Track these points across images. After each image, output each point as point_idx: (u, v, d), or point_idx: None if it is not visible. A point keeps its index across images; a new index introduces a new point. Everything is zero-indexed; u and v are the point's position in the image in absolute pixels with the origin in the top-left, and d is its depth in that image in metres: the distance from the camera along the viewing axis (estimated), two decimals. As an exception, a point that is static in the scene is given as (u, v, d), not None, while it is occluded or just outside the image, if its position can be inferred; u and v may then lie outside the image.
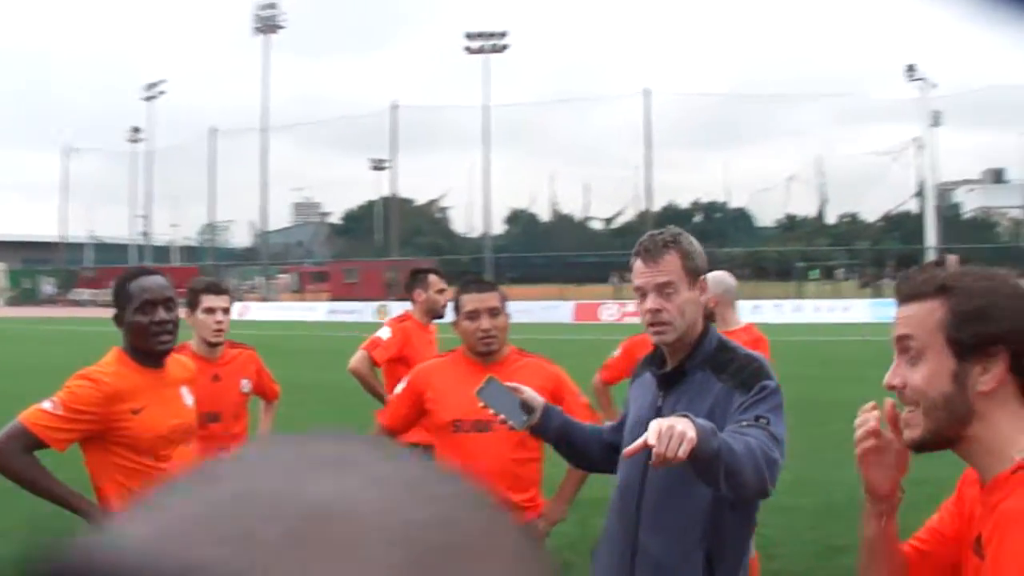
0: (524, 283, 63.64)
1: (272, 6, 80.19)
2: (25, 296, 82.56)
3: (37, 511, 4.14)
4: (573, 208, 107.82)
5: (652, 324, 3.31)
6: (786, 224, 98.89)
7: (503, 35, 74.55)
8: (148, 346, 4.04)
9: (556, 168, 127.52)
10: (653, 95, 74.07)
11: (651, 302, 3.29)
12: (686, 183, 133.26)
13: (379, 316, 50.43)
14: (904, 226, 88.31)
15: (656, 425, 2.65)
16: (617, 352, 6.59)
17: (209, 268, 64.28)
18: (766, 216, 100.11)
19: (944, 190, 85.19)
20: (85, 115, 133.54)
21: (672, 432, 2.61)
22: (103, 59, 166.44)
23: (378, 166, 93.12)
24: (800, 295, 54.51)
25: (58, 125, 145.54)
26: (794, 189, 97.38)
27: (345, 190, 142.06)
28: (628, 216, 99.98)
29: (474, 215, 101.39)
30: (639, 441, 2.68)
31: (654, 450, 2.61)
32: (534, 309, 45.64)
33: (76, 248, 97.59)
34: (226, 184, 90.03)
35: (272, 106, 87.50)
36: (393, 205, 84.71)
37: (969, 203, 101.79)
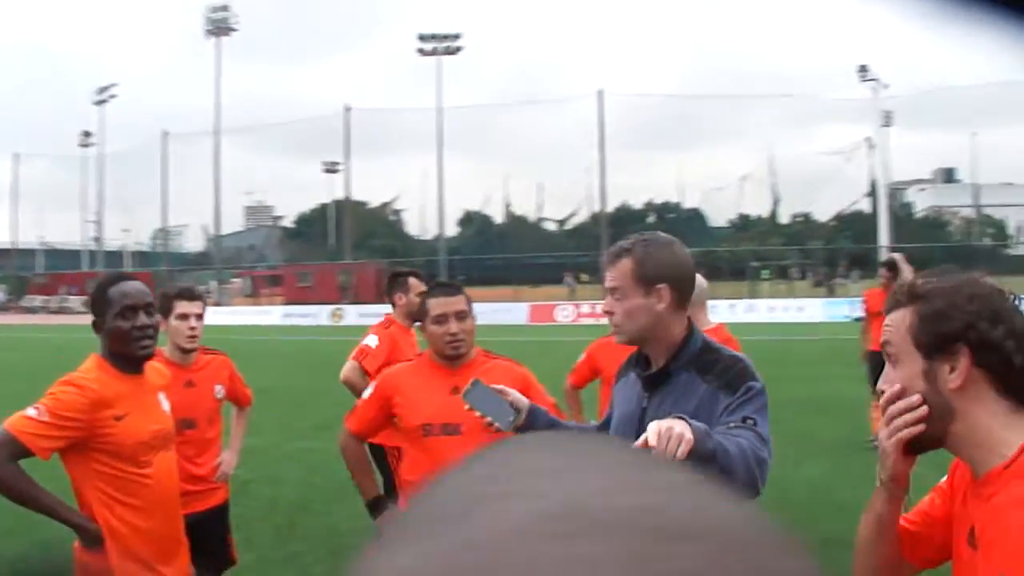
0: (478, 285, 63.48)
1: (224, 8, 79.49)
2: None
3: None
4: (527, 209, 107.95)
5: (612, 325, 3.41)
6: (739, 224, 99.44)
7: (456, 37, 74.48)
8: (129, 351, 4.04)
9: (509, 169, 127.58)
10: (606, 96, 74.12)
11: (605, 304, 3.40)
12: (639, 184, 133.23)
13: (334, 319, 50.39)
14: (856, 225, 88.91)
15: (655, 426, 2.67)
16: (582, 356, 6.69)
17: (162, 273, 63.80)
18: (719, 216, 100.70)
19: (896, 190, 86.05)
20: (35, 119, 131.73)
21: (671, 433, 2.63)
22: (53, 62, 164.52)
23: (331, 169, 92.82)
24: (754, 295, 54.79)
25: (7, 129, 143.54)
26: (747, 189, 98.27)
27: (298, 193, 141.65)
28: (582, 217, 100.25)
29: (427, 217, 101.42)
30: (639, 442, 2.68)
31: (654, 451, 2.60)
32: (489, 311, 45.52)
33: (27, 254, 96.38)
34: (179, 188, 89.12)
35: (225, 109, 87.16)
36: (346, 208, 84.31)
37: (920, 203, 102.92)
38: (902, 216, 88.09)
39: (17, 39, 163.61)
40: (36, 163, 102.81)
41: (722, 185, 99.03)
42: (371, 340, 7.26)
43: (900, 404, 2.22)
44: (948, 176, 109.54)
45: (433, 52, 74.53)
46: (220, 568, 5.60)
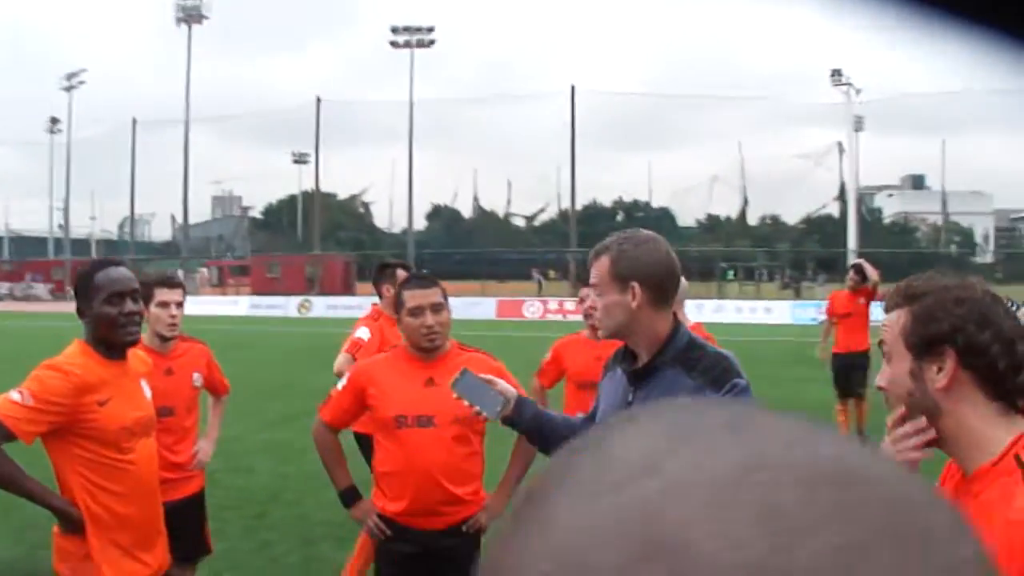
0: (446, 279, 61.81)
1: (196, -5, 79.07)
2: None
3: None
4: (495, 205, 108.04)
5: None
6: (707, 224, 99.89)
7: (430, 30, 74.21)
8: (116, 338, 4.04)
9: (479, 164, 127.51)
10: (578, 93, 74.16)
11: (589, 300, 3.46)
12: (609, 181, 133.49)
13: (301, 311, 50.25)
14: (825, 229, 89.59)
15: None
16: (548, 356, 6.73)
17: (129, 263, 62.91)
18: (688, 216, 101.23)
19: (865, 195, 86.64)
20: (1, 105, 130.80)
21: None
22: (20, 48, 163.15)
23: (300, 160, 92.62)
24: (721, 295, 54.99)
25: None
26: (716, 189, 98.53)
27: (266, 184, 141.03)
28: (550, 214, 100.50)
29: (396, 210, 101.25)
30: None
31: None
32: (456, 305, 44.61)
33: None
34: (147, 177, 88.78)
35: (195, 98, 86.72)
36: (315, 200, 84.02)
37: (889, 208, 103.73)
38: (870, 221, 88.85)
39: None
40: (2, 149, 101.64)
41: (691, 185, 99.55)
42: (363, 333, 7.28)
43: (907, 427, 2.28)
44: (917, 183, 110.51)
45: (406, 45, 74.22)
46: (196, 556, 5.60)
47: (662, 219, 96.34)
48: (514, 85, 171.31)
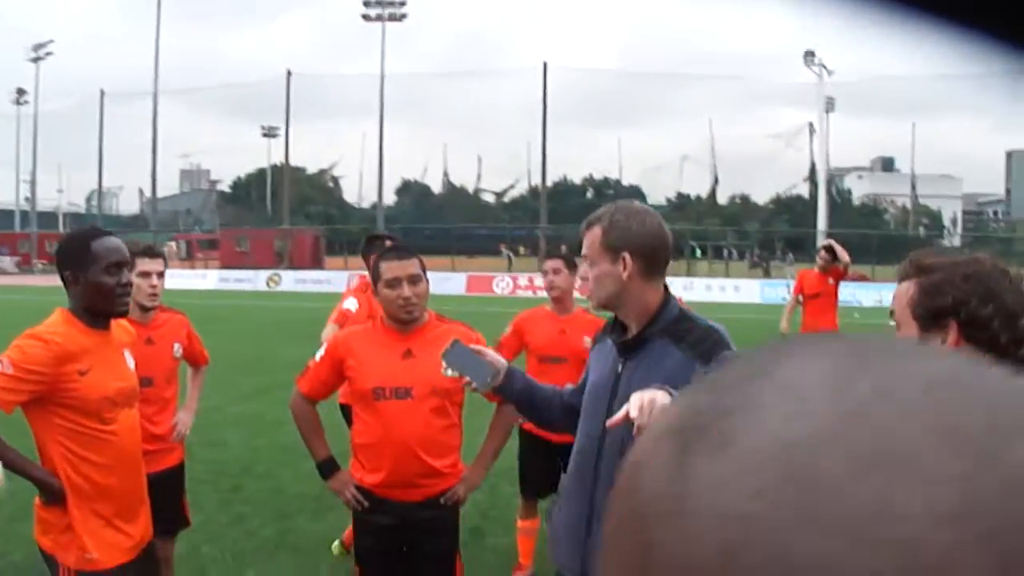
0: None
1: (165, -33, 78.42)
2: (-94, 263, 79.82)
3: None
4: (465, 180, 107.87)
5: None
6: (677, 203, 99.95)
7: (402, 3, 73.83)
8: (111, 308, 4.03)
9: (449, 139, 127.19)
10: (550, 70, 74.01)
11: (581, 271, 3.49)
12: (579, 158, 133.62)
13: (270, 284, 50.09)
14: (794, 209, 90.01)
15: (637, 397, 2.70)
16: (508, 329, 6.70)
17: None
18: (658, 194, 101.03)
19: (835, 176, 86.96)
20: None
21: (653, 404, 2.67)
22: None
23: (269, 133, 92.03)
24: (691, 273, 55.09)
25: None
26: (687, 168, 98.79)
27: (235, 157, 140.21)
28: (520, 190, 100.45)
29: (366, 185, 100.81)
30: (620, 413, 2.72)
31: (636, 423, 2.66)
32: (427, 281, 45.32)
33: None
34: (114, 149, 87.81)
35: (163, 70, 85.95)
36: (284, 173, 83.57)
37: (858, 190, 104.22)
38: (840, 202, 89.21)
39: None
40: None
41: (662, 163, 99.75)
42: (351, 304, 7.24)
43: None
44: (887, 165, 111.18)
45: (378, 18, 73.84)
46: (175, 529, 5.58)
47: (632, 197, 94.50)
48: (486, 61, 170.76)
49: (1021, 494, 0.41)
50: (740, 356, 0.52)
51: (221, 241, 68.56)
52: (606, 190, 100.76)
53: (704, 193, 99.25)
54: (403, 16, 74.11)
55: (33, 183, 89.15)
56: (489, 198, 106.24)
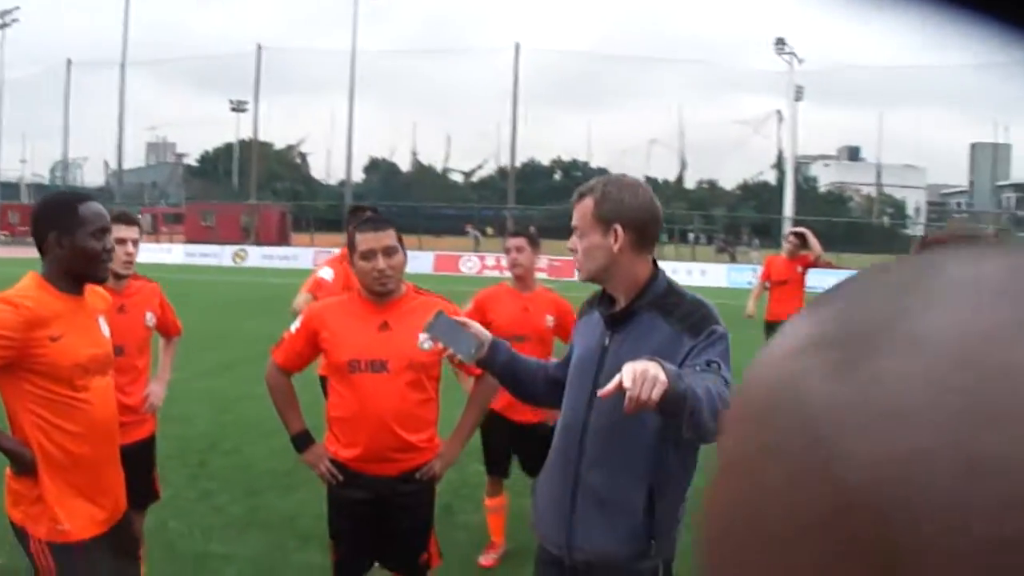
0: None
1: (135, -66, 77.51)
2: None
3: None
4: (434, 159, 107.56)
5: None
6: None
7: (374, -20, 73.51)
8: (94, 272, 3.97)
9: (418, 118, 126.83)
10: (523, 50, 73.86)
11: (569, 242, 3.48)
12: (547, 140, 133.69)
13: (236, 260, 49.84)
14: (761, 196, 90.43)
15: (630, 369, 2.68)
16: (469, 306, 6.62)
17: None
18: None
19: (801, 163, 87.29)
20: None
21: (646, 375, 2.65)
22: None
23: (238, 108, 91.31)
24: (658, 257, 55.00)
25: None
26: (655, 152, 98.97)
27: (202, 131, 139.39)
28: (488, 170, 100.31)
29: (333, 162, 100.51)
30: (613, 382, 2.69)
31: (628, 394, 2.64)
32: (394, 259, 45.21)
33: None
34: (80, 120, 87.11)
35: (132, 41, 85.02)
36: (252, 148, 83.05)
37: (824, 178, 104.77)
38: (806, 189, 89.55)
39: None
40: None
41: (630, 147, 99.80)
42: (326, 273, 7.20)
43: None
44: (853, 154, 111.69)
45: (350, -6, 73.45)
46: (146, 502, 5.52)
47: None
48: (458, 40, 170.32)
49: None
50: (877, 268, 0.49)
51: (187, 215, 68.03)
52: (574, 172, 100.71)
53: (672, 177, 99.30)
54: (375, -8, 73.68)
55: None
56: (457, 178, 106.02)
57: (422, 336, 4.17)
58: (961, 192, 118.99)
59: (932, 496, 0.37)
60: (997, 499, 0.36)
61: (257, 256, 50.55)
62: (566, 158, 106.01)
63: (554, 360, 3.95)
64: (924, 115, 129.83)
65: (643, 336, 3.30)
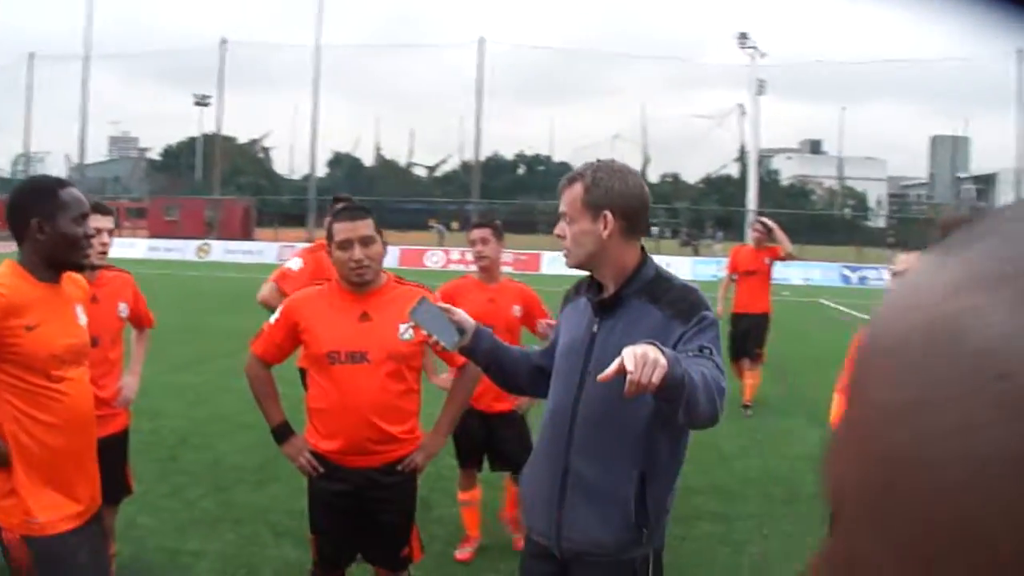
0: None
1: (97, -72, 76.80)
2: None
3: None
4: (397, 154, 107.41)
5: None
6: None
7: (337, -26, 73.19)
8: (76, 258, 3.90)
9: (382, 113, 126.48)
10: (487, 45, 73.70)
11: (557, 228, 3.44)
12: (511, 134, 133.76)
13: (200, 254, 49.57)
14: (724, 189, 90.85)
15: (630, 352, 2.63)
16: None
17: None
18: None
19: (764, 157, 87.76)
20: None
21: (646, 359, 2.61)
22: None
23: (201, 102, 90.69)
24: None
25: None
26: (618, 147, 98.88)
27: (165, 125, 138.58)
28: (452, 165, 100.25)
29: (297, 156, 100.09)
30: (614, 365, 2.65)
31: (630, 377, 2.59)
32: (358, 253, 45.22)
33: None
34: (42, 113, 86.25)
35: (95, 34, 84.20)
36: (215, 143, 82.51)
37: (787, 171, 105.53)
38: (768, 182, 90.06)
39: None
40: None
41: (593, 142, 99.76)
42: (294, 263, 7.16)
43: None
44: (815, 147, 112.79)
45: (313, -12, 73.08)
46: (118, 497, 5.41)
47: (562, 174, 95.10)
48: (421, 35, 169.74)
49: None
50: (1013, 208, 0.48)
51: (150, 210, 67.49)
52: (537, 167, 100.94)
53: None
54: (338, -14, 73.39)
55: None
56: (421, 172, 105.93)
57: (405, 324, 4.13)
58: (922, 184, 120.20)
59: None
60: None
61: (220, 251, 50.30)
62: (529, 153, 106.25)
63: (536, 347, 3.90)
64: (885, 109, 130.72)
65: (633, 322, 3.27)
